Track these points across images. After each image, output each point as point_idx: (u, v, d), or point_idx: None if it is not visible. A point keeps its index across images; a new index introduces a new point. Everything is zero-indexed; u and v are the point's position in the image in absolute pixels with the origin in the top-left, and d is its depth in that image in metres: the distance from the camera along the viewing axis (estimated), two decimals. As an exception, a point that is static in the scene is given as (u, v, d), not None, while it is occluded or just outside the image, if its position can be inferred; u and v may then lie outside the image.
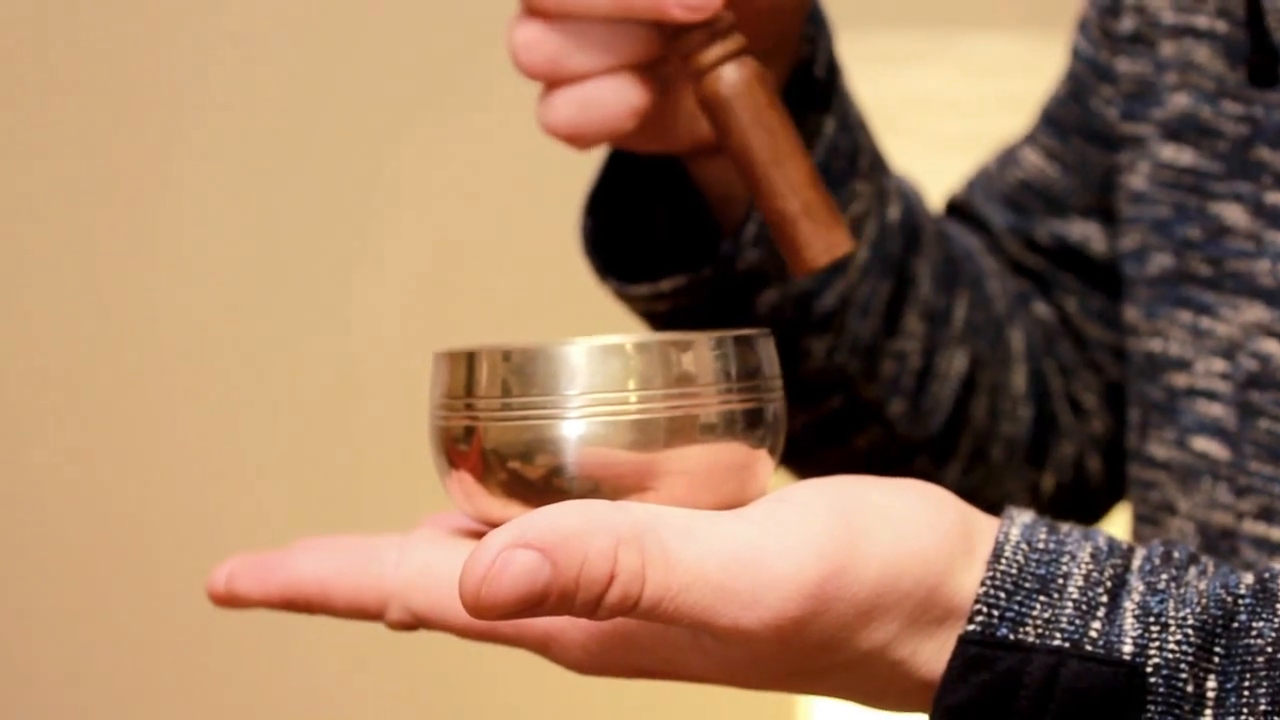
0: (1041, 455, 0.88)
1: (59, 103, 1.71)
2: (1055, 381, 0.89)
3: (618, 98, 0.68)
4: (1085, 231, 0.88)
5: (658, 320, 0.78)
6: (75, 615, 1.75)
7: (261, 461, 1.76)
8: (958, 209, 0.92)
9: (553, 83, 0.68)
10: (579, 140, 0.69)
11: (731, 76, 0.67)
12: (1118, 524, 0.86)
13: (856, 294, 0.79)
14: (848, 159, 0.77)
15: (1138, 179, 0.81)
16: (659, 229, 0.79)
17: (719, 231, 0.78)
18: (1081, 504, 0.91)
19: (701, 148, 0.74)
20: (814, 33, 0.76)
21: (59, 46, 1.70)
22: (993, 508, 0.87)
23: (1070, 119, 0.88)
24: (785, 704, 1.60)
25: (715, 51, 0.67)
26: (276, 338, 1.76)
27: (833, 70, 0.77)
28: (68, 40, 1.70)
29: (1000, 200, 0.90)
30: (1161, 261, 0.80)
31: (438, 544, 0.61)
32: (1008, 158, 0.91)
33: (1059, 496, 0.89)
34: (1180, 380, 0.79)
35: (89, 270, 1.73)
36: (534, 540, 0.53)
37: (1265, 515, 0.74)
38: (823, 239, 0.66)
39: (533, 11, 0.68)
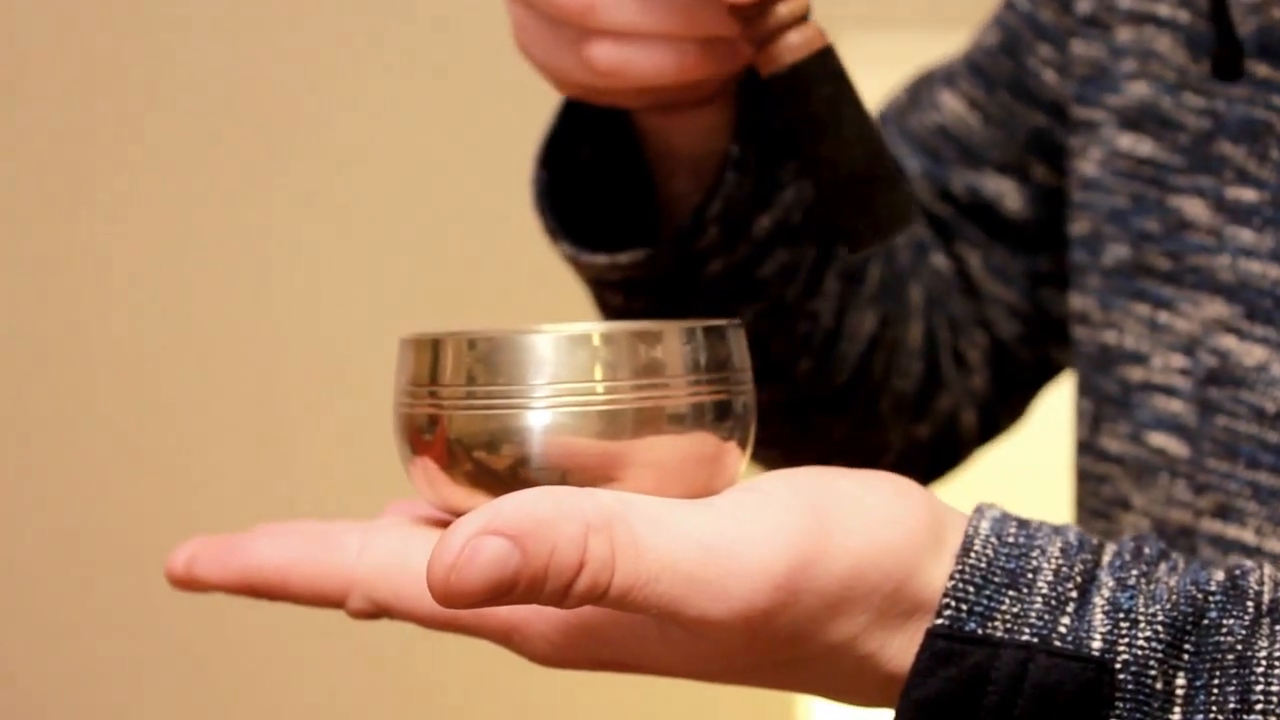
0: (924, 408, 0.88)
1: (45, 96, 1.71)
2: (943, 335, 0.89)
3: (655, 61, 0.68)
4: (1000, 187, 0.88)
5: (604, 288, 0.77)
6: (57, 609, 1.76)
7: (244, 447, 1.76)
8: None
9: (589, 29, 0.68)
10: (608, 88, 0.69)
11: (796, 43, 0.65)
12: (1066, 517, 0.85)
13: (791, 261, 0.78)
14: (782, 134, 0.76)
15: (1089, 165, 0.81)
16: (600, 193, 0.78)
17: (654, 195, 0.78)
18: (948, 455, 0.91)
19: (688, 99, 0.73)
20: None
21: (54, 40, 1.70)
22: (869, 458, 0.87)
23: (1000, 72, 0.88)
24: (785, 704, 1.59)
25: (776, 18, 0.65)
26: (258, 325, 1.76)
27: None
28: (61, 34, 1.71)
29: (914, 142, 0.90)
30: (1117, 252, 0.79)
31: (401, 532, 0.60)
32: (926, 98, 0.90)
33: (930, 446, 0.89)
34: (1136, 374, 0.78)
35: (69, 263, 1.73)
36: (503, 527, 0.53)
37: (1222, 513, 0.74)
38: (892, 205, 0.65)
39: None
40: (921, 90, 0.91)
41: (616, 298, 0.77)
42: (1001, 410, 0.92)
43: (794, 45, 0.64)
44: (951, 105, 0.89)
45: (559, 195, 0.77)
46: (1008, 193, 0.88)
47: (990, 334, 0.90)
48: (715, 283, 0.76)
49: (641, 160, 0.78)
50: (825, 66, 0.65)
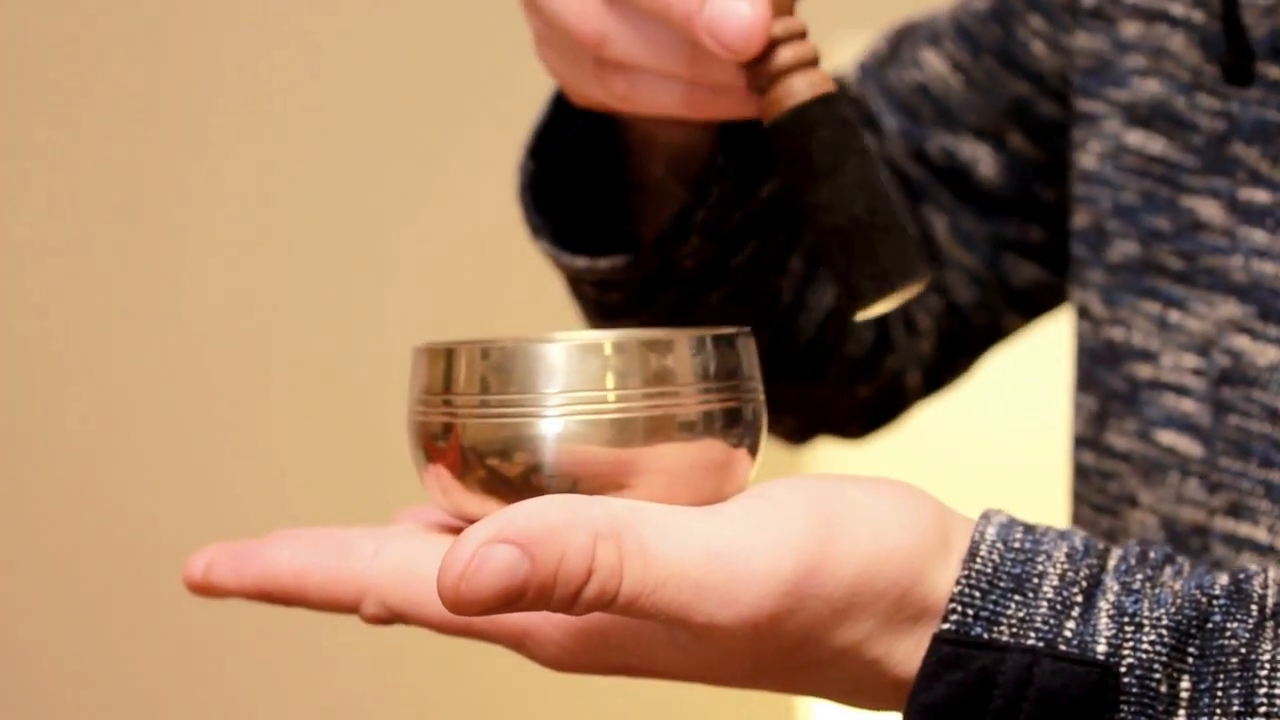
0: (871, 371, 0.89)
1: (74, 101, 1.71)
2: None
3: (665, 97, 0.67)
4: (975, 153, 0.88)
5: (580, 282, 0.78)
6: (70, 608, 1.76)
7: (259, 454, 1.77)
8: (852, 101, 0.90)
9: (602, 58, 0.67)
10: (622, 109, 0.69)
11: (798, 88, 0.63)
12: (1061, 513, 0.86)
13: (760, 249, 0.78)
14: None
15: (1089, 158, 0.81)
16: (580, 186, 0.78)
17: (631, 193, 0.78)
18: (889, 412, 0.92)
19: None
20: None
21: (82, 46, 1.70)
22: (811, 418, 0.87)
23: (988, 38, 0.88)
24: (785, 704, 1.59)
25: (778, 63, 0.64)
26: (273, 333, 1.76)
27: None
28: (91, 40, 1.71)
29: (891, 98, 0.90)
30: (1125, 249, 0.80)
31: (415, 538, 0.61)
32: (908, 53, 0.90)
33: (872, 403, 0.90)
34: (1145, 372, 0.79)
35: (91, 265, 1.73)
36: (513, 535, 0.53)
37: (1234, 511, 0.74)
38: (897, 258, 0.63)
39: None
40: (903, 44, 0.91)
41: (591, 290, 0.78)
42: (945, 371, 0.92)
43: (796, 90, 0.63)
44: (934, 65, 0.89)
45: (542, 191, 0.77)
46: (983, 158, 0.88)
47: (946, 298, 0.90)
48: (687, 275, 0.76)
49: (617, 145, 0.78)
50: (828, 112, 0.63)
